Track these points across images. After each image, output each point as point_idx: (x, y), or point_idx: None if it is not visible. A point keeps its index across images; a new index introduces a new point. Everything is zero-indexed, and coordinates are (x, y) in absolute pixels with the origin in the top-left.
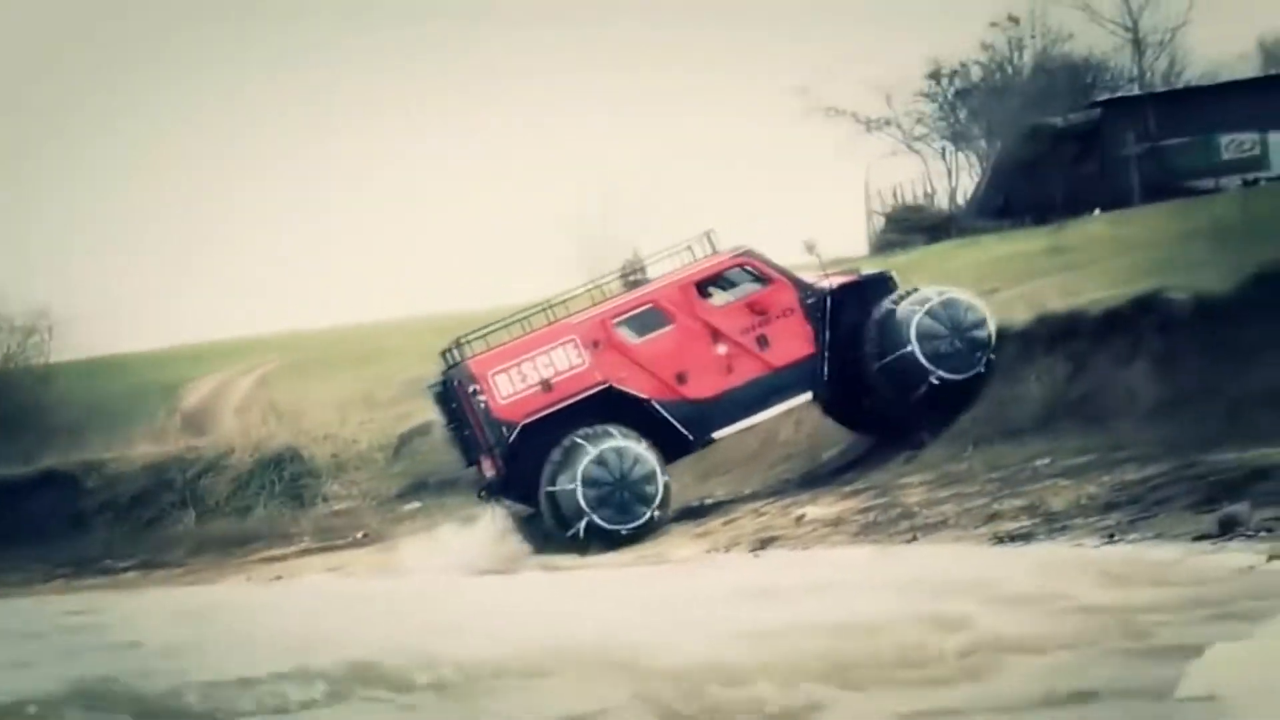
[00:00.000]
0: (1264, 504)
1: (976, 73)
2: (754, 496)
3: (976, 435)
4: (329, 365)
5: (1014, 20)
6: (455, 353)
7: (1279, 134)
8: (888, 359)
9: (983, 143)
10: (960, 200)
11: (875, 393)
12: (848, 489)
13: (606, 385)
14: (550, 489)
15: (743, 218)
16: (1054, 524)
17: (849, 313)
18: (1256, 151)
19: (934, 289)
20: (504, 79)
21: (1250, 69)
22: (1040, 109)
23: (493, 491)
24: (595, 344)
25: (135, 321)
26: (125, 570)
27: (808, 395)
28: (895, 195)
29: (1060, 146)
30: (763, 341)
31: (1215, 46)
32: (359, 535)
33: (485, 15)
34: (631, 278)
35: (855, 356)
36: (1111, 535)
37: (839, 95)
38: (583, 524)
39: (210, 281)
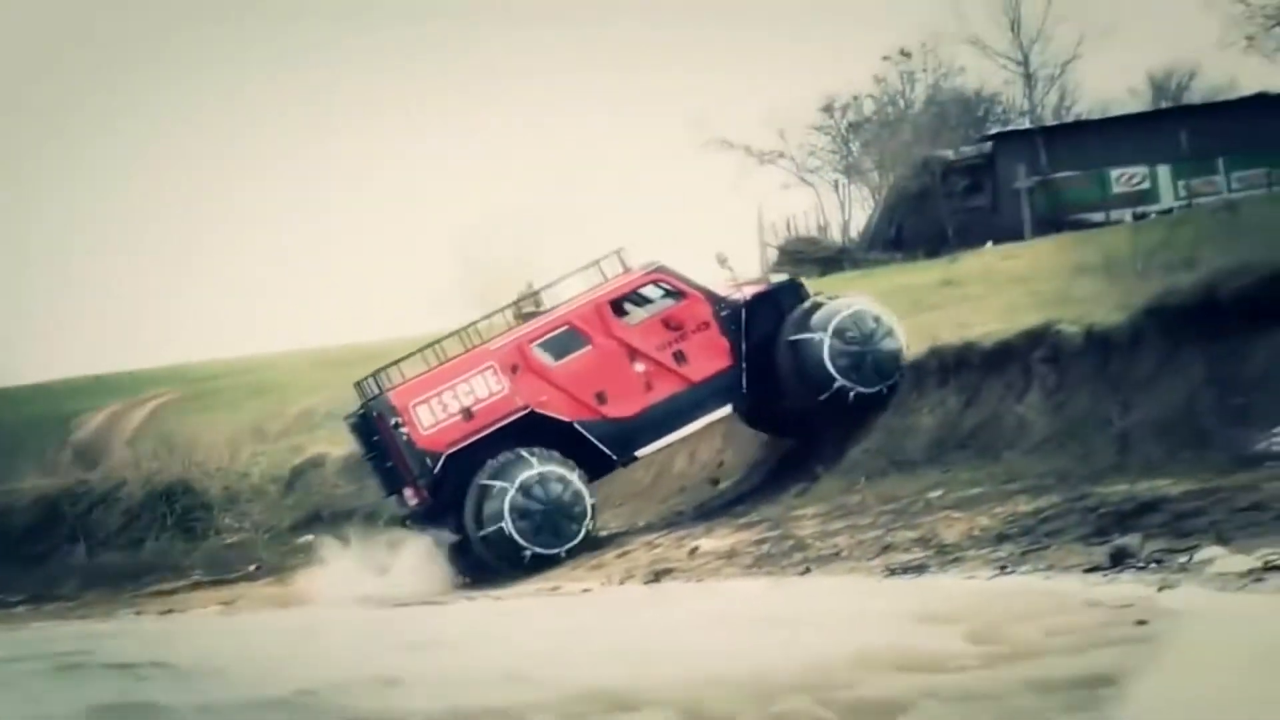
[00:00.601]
0: (1154, 536)
1: (869, 106)
2: (648, 528)
3: (869, 467)
4: (220, 398)
5: (905, 54)
6: (372, 383)
7: (1169, 167)
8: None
9: (875, 175)
10: (853, 232)
11: (788, 397)
12: (741, 521)
13: (528, 410)
14: (482, 533)
15: (637, 250)
16: (946, 556)
17: (762, 322)
18: (1146, 185)
19: (845, 301)
20: (371, 117)
21: (1140, 104)
22: (932, 142)
23: (417, 520)
24: (514, 369)
25: (27, 353)
26: (16, 605)
27: (728, 408)
28: (789, 227)
29: (952, 179)
30: (680, 357)
31: (1106, 81)
32: (252, 568)
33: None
34: (525, 309)
35: (771, 363)
36: (1004, 567)
37: (732, 128)
38: (527, 555)
39: (101, 314)
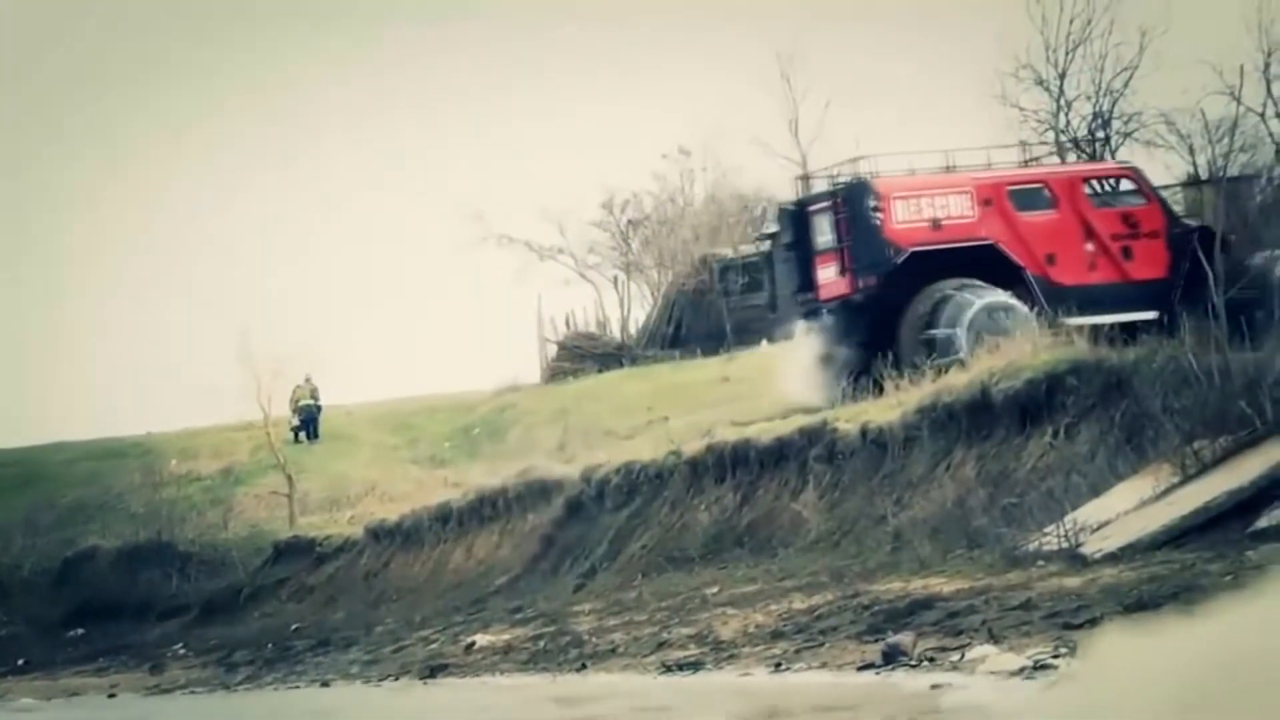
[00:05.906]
0: (927, 634)
1: (649, 203)
2: (423, 624)
3: (646, 563)
4: None
5: (685, 152)
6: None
7: None
8: None
9: (655, 273)
10: (632, 329)
11: None
12: (518, 616)
13: (991, 243)
14: (926, 335)
15: (418, 347)
16: (722, 653)
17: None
18: None
19: None
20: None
21: None
22: (711, 240)
23: (832, 312)
24: (987, 202)
25: None
26: None
27: (1155, 314)
28: (568, 323)
29: (731, 278)
30: (1127, 253)
31: None
32: (20, 662)
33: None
34: (302, 403)
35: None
36: (779, 664)
37: (513, 223)
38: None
39: None
